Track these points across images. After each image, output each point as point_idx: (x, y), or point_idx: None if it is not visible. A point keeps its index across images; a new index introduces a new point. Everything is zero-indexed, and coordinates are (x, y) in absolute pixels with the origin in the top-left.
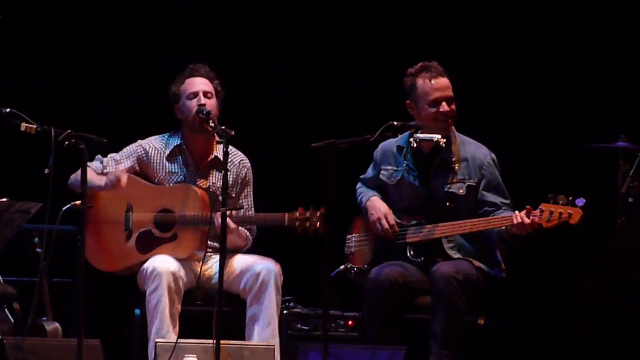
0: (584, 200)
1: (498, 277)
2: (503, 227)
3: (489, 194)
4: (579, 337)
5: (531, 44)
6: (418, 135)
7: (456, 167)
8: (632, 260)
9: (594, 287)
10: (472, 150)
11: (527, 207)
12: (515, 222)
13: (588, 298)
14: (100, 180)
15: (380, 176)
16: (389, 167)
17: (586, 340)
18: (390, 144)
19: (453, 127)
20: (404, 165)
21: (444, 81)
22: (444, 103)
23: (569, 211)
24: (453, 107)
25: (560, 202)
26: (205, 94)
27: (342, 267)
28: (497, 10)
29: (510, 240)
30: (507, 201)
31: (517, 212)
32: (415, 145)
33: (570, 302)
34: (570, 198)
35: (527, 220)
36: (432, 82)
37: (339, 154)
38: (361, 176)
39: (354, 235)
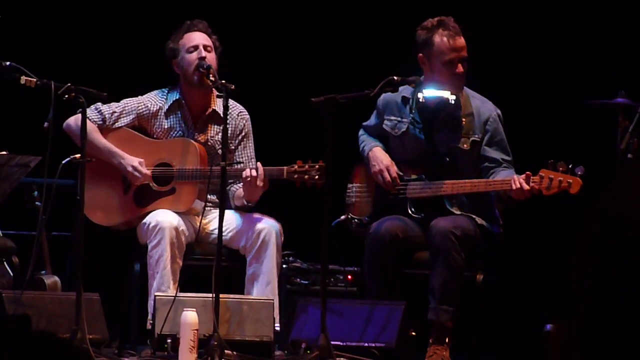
0: (584, 169)
1: (496, 232)
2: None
3: (491, 150)
4: (577, 292)
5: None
6: (427, 92)
7: (462, 122)
8: (629, 211)
9: (591, 239)
10: (478, 105)
11: (527, 172)
12: (514, 187)
13: (586, 249)
14: (100, 140)
15: (384, 126)
16: (392, 118)
17: (585, 293)
18: (395, 93)
19: None
20: (410, 117)
21: (461, 42)
22: (459, 65)
23: (569, 180)
24: (465, 69)
25: (560, 169)
26: (205, 47)
27: (342, 217)
28: None
29: (508, 201)
30: (509, 158)
31: (516, 177)
32: (423, 100)
33: (569, 255)
34: (570, 166)
35: (526, 187)
36: (450, 41)
37: (339, 106)
38: (363, 123)
39: (355, 184)
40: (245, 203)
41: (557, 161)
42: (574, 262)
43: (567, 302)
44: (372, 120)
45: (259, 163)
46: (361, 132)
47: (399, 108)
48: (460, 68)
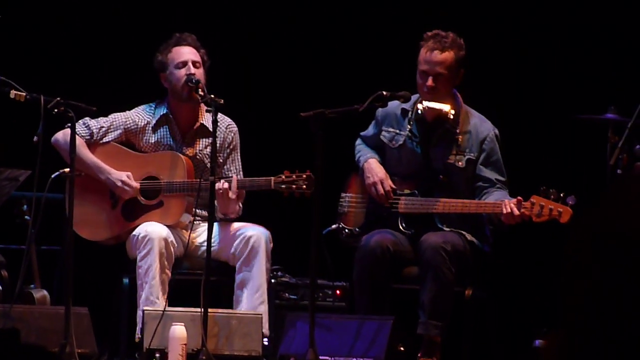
0: (575, 199)
1: (486, 251)
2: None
3: (486, 169)
4: (567, 304)
5: (516, 14)
6: (427, 103)
7: (459, 139)
8: (619, 222)
9: (582, 251)
10: (476, 124)
11: (518, 198)
12: (504, 211)
13: (577, 260)
14: (88, 156)
15: (381, 137)
16: (390, 130)
17: (575, 305)
18: (394, 105)
19: (460, 98)
20: (408, 130)
21: (439, 57)
22: (430, 78)
23: (559, 209)
24: (440, 85)
25: (552, 196)
26: (193, 63)
27: (334, 226)
28: None
29: (499, 224)
30: (503, 179)
31: (507, 201)
32: (421, 112)
33: (559, 268)
34: (562, 194)
35: (516, 212)
36: (428, 54)
37: (331, 120)
38: (361, 133)
39: (348, 194)
40: (222, 216)
41: (549, 188)
42: (564, 273)
43: (558, 314)
44: (369, 131)
45: (234, 176)
46: (358, 141)
47: (397, 120)
48: (429, 82)
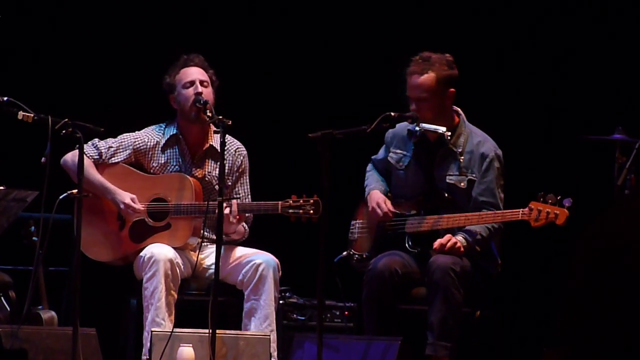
0: (571, 201)
1: (493, 272)
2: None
3: (477, 188)
4: (570, 323)
5: (526, 34)
6: (423, 125)
7: (461, 160)
8: (620, 242)
9: (584, 271)
10: (479, 143)
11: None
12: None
13: (579, 281)
14: (95, 176)
15: (389, 159)
16: (398, 151)
17: (578, 325)
18: (402, 126)
19: (463, 118)
20: (412, 151)
21: (418, 80)
22: (413, 103)
23: (555, 211)
24: (424, 109)
25: (550, 201)
26: (201, 82)
27: (344, 253)
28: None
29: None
30: (492, 200)
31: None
32: (419, 134)
33: (562, 287)
34: (559, 197)
35: (447, 246)
36: (409, 78)
37: (338, 142)
38: (373, 157)
39: (358, 221)
40: (225, 236)
41: (547, 193)
42: (567, 288)
43: (560, 327)
44: (380, 154)
45: (234, 200)
46: (369, 167)
47: (404, 142)
48: (412, 107)
